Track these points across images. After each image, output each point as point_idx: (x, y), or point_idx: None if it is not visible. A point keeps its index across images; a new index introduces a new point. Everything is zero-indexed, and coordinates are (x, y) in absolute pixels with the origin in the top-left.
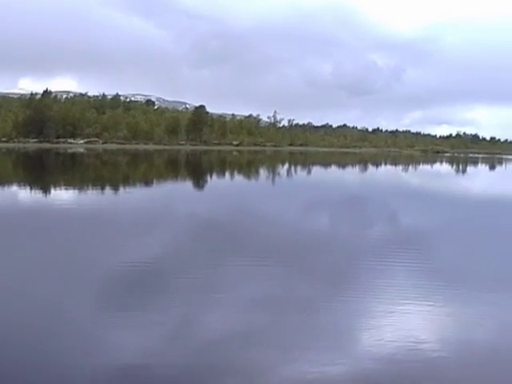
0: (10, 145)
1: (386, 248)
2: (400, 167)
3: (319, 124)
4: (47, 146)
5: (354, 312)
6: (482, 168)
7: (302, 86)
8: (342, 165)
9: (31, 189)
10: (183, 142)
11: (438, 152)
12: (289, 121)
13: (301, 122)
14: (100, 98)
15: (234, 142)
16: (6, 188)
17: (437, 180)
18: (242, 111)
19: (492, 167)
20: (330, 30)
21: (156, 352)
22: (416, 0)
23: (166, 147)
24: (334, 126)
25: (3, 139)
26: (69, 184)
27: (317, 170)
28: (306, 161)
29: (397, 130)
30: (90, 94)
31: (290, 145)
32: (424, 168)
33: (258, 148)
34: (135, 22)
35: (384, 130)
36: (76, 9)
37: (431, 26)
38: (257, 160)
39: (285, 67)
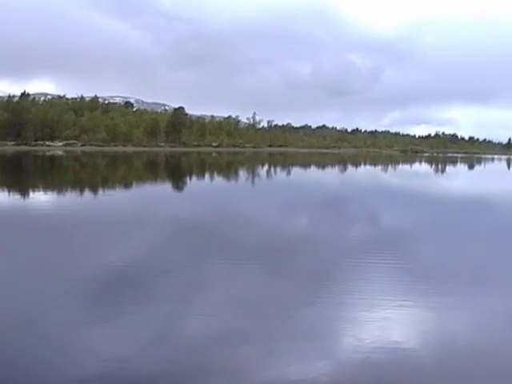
0: None
1: (365, 247)
2: (379, 167)
3: (298, 125)
4: (25, 148)
5: (334, 312)
6: (461, 168)
7: (281, 87)
8: (322, 165)
9: (9, 191)
10: (162, 144)
11: (416, 152)
12: (268, 122)
13: (280, 123)
14: (78, 100)
15: (214, 144)
16: None
17: (416, 180)
18: (221, 112)
19: (471, 167)
20: (308, 31)
21: (136, 353)
22: (394, 0)
23: (145, 149)
24: (314, 126)
25: None
26: (48, 187)
27: (296, 171)
28: (285, 162)
29: (376, 131)
30: (68, 96)
31: (270, 146)
32: (403, 168)
33: (237, 149)
34: (113, 23)
35: (363, 130)
36: (53, 10)
37: (410, 26)
38: (236, 161)
39: (263, 68)
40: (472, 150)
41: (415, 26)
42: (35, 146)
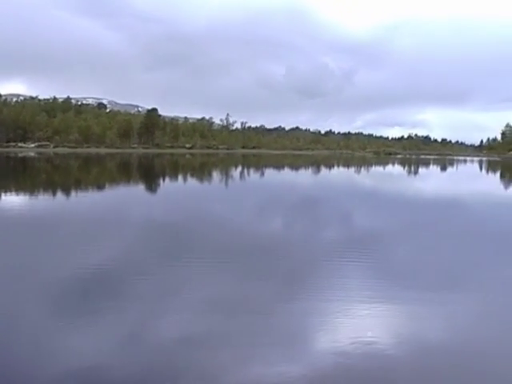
0: None
1: (338, 248)
2: (352, 169)
3: (272, 127)
4: None
5: (308, 312)
6: (434, 169)
7: (255, 89)
8: (295, 167)
9: None
10: (135, 146)
11: (389, 154)
12: (242, 123)
13: (254, 125)
14: (51, 101)
15: (187, 145)
16: None
17: (389, 181)
18: (195, 114)
19: (443, 168)
20: (282, 33)
21: (109, 354)
22: (368, 2)
23: (118, 150)
24: (287, 128)
25: None
26: (19, 188)
27: (270, 173)
28: (259, 163)
29: (349, 133)
30: (41, 97)
31: (243, 147)
32: (376, 170)
33: (210, 151)
34: (86, 23)
35: (336, 132)
36: (25, 10)
37: (383, 28)
38: (210, 163)
39: (237, 70)
40: (445, 152)
41: (389, 27)
42: (7, 147)
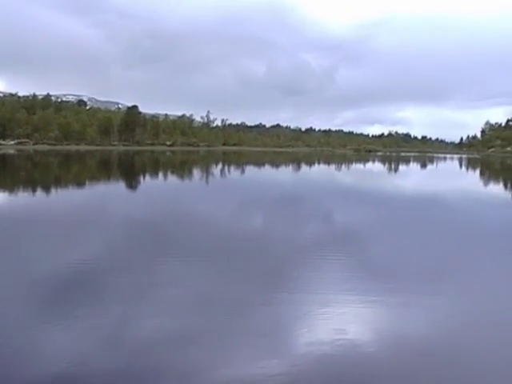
0: None
1: (320, 245)
2: (333, 166)
3: (253, 124)
4: None
5: (290, 310)
6: (414, 166)
7: (236, 86)
8: (276, 164)
9: None
10: (116, 143)
11: (370, 151)
12: (222, 121)
13: (234, 122)
14: (30, 98)
15: (168, 143)
16: None
17: (369, 178)
18: (175, 111)
19: (423, 165)
20: (263, 30)
21: (88, 354)
22: (349, 0)
23: (99, 148)
24: (268, 125)
25: None
26: None
27: (250, 170)
28: (239, 160)
29: (330, 130)
30: (20, 94)
31: (224, 145)
32: (357, 167)
33: (191, 148)
34: (66, 20)
35: (317, 129)
36: (3, 7)
37: (364, 26)
38: (190, 160)
39: (218, 67)
40: (425, 149)
41: (370, 25)
42: None
